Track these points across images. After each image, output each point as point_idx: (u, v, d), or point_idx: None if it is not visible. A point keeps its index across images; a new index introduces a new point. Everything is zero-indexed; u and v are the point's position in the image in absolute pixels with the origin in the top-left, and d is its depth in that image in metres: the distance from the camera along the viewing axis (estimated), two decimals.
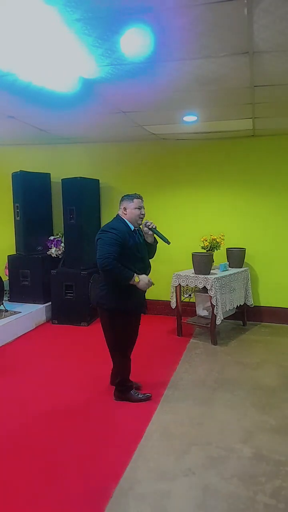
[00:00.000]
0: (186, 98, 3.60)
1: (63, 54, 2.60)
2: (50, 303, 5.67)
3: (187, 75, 2.97)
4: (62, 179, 5.66)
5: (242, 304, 5.19)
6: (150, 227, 3.23)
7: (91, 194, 5.80)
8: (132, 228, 3.19)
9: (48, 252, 5.86)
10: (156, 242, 3.34)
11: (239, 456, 2.66)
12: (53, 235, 6.02)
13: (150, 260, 3.36)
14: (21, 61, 2.72)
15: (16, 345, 4.80)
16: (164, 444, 2.79)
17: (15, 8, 2.00)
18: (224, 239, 5.04)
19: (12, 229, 5.97)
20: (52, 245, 5.87)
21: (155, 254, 3.45)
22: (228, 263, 5.18)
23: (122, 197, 3.27)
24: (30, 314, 5.37)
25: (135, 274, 3.06)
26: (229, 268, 5.13)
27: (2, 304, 5.23)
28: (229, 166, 5.49)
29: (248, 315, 5.45)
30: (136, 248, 3.17)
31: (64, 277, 5.53)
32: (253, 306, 5.35)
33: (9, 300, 5.76)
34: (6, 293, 5.70)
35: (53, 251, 5.84)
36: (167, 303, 5.16)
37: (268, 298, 5.53)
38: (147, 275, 3.25)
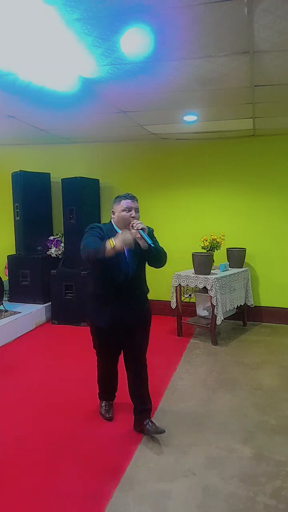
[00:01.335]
0: (186, 97, 3.60)
1: (63, 53, 2.59)
2: (50, 303, 5.67)
3: (187, 74, 2.97)
4: (62, 179, 5.66)
5: (242, 304, 5.18)
6: (135, 227, 2.60)
7: (91, 194, 5.79)
8: (119, 231, 2.72)
9: (48, 252, 5.86)
10: (152, 246, 2.61)
11: (239, 456, 2.66)
12: (53, 235, 6.01)
13: (159, 268, 2.83)
14: (21, 60, 2.71)
15: (16, 345, 4.80)
16: (164, 444, 2.78)
17: (14, 8, 2.00)
18: (224, 239, 5.03)
19: (12, 229, 5.97)
20: (52, 245, 5.87)
21: (161, 260, 2.80)
22: (228, 263, 5.18)
23: (114, 198, 2.88)
24: (30, 314, 5.37)
25: (107, 241, 2.50)
26: (229, 268, 5.13)
27: (2, 304, 5.23)
28: (229, 166, 5.48)
29: (248, 315, 5.45)
30: (115, 255, 2.58)
31: (64, 277, 5.53)
32: (253, 306, 5.35)
33: (9, 300, 5.75)
34: (6, 293, 5.70)
35: (53, 251, 5.84)
36: (167, 303, 5.15)
37: (268, 298, 5.53)
38: (131, 291, 2.77)
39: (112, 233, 2.70)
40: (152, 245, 2.59)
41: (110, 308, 2.78)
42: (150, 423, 2.85)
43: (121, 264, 2.73)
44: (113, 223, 2.82)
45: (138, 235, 2.60)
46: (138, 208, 2.77)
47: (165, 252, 2.80)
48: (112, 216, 2.83)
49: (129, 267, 2.76)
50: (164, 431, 2.80)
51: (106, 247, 2.50)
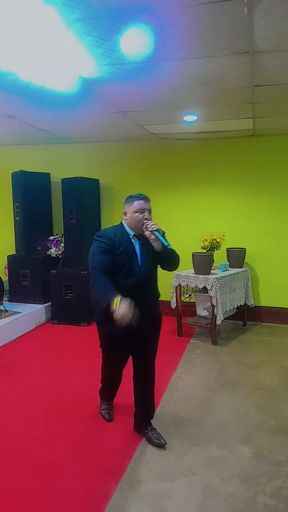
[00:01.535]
0: (186, 97, 3.60)
1: (63, 53, 2.59)
2: (50, 303, 5.66)
3: (187, 74, 2.97)
4: (62, 179, 5.66)
5: (242, 304, 5.18)
6: (150, 229, 2.55)
7: (91, 194, 5.79)
8: (132, 234, 2.65)
9: (48, 252, 5.86)
10: (166, 249, 2.57)
11: (239, 456, 2.66)
12: (53, 235, 6.01)
13: (171, 271, 2.79)
14: (21, 60, 2.71)
15: (16, 345, 4.80)
16: None
17: (14, 8, 2.00)
18: (224, 239, 5.03)
19: (12, 229, 5.97)
20: (52, 245, 5.87)
21: (175, 263, 2.74)
22: (228, 263, 5.18)
23: (125, 199, 2.75)
24: (30, 314, 5.37)
25: (115, 297, 2.34)
26: (229, 268, 5.13)
27: (2, 304, 5.23)
28: (229, 166, 5.48)
29: (248, 315, 5.45)
30: (127, 258, 2.60)
31: (64, 277, 5.53)
32: (253, 306, 5.35)
33: (9, 300, 5.75)
34: (6, 293, 5.70)
35: (53, 251, 5.84)
36: (167, 303, 5.15)
37: (268, 298, 5.53)
38: (144, 296, 2.61)
39: (124, 236, 2.63)
40: (168, 246, 2.54)
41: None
42: (152, 432, 2.82)
43: (134, 266, 2.61)
44: (124, 224, 2.68)
45: (153, 237, 2.53)
46: (151, 210, 2.65)
47: (177, 254, 2.71)
48: (124, 217, 2.68)
49: (142, 270, 2.64)
50: (165, 446, 2.75)
51: (109, 303, 2.35)
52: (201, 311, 5.19)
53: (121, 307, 2.31)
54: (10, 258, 5.89)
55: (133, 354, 2.82)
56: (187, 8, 2.03)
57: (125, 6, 2.00)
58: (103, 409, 3.14)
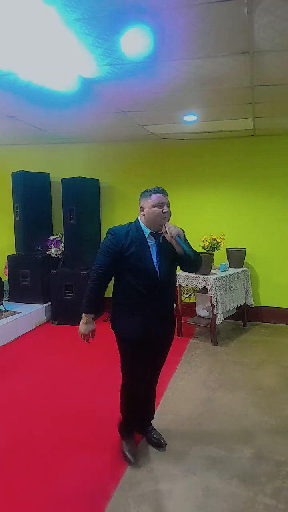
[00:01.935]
0: (186, 97, 3.59)
1: (62, 53, 2.59)
2: (50, 303, 5.66)
3: (187, 74, 2.97)
4: (62, 179, 5.66)
5: (242, 304, 5.18)
6: (170, 234, 2.34)
7: (91, 194, 5.79)
8: (148, 233, 2.44)
9: (48, 252, 5.86)
10: (188, 251, 2.39)
11: (239, 456, 2.66)
12: (53, 235, 6.01)
13: (192, 273, 2.74)
14: (21, 60, 2.71)
15: (16, 345, 4.80)
16: None
17: (14, 7, 2.00)
18: (224, 239, 5.03)
19: (12, 229, 5.97)
20: (52, 245, 5.87)
21: (196, 265, 2.57)
22: (228, 263, 5.18)
23: (141, 193, 2.53)
24: (30, 314, 5.37)
25: (85, 316, 2.49)
26: (229, 268, 5.12)
27: (2, 304, 5.23)
28: (229, 165, 5.48)
29: (248, 315, 5.45)
30: (138, 259, 2.40)
31: (64, 277, 5.53)
32: (253, 306, 5.35)
33: (8, 300, 5.75)
34: (5, 293, 5.70)
35: (53, 251, 5.84)
36: None
37: (268, 298, 5.53)
38: (161, 300, 2.48)
39: (139, 235, 2.42)
40: (188, 253, 2.38)
41: (139, 319, 2.45)
42: (152, 432, 2.80)
43: (148, 268, 2.42)
44: (140, 222, 2.47)
45: (174, 242, 2.35)
46: (169, 204, 2.49)
47: (200, 256, 2.57)
48: (141, 213, 2.46)
49: (160, 272, 2.44)
50: (165, 446, 2.72)
51: (83, 314, 2.52)
52: (201, 311, 5.19)
53: (81, 325, 2.51)
54: (10, 258, 5.89)
55: (148, 351, 2.62)
56: (187, 8, 2.03)
57: (125, 6, 2.00)
58: (126, 446, 2.67)
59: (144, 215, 2.45)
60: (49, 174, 6.02)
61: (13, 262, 5.85)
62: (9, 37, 2.34)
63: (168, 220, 2.43)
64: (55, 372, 4.00)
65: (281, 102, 3.75)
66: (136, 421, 2.77)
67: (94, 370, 3.99)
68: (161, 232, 2.41)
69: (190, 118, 4.33)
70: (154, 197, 2.43)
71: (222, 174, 5.53)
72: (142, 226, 2.46)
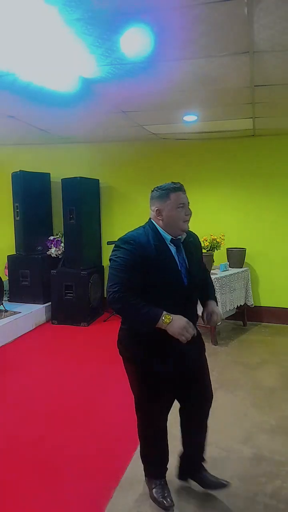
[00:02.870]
0: (186, 97, 3.59)
1: (63, 53, 2.59)
2: (50, 303, 5.66)
3: (187, 74, 2.97)
4: (62, 179, 5.66)
5: (242, 304, 5.18)
6: (213, 323, 2.10)
7: (91, 194, 5.80)
8: (168, 239, 2.04)
9: (48, 252, 5.86)
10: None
11: (239, 456, 2.66)
12: (53, 235, 6.01)
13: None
14: (21, 60, 2.71)
15: (16, 345, 4.80)
16: None
17: (15, 7, 2.00)
18: (224, 239, 5.03)
19: (12, 229, 5.97)
20: (52, 245, 5.87)
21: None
22: (228, 263, 5.18)
23: (152, 191, 2.09)
24: (30, 314, 5.37)
25: (163, 314, 1.86)
26: (229, 268, 5.12)
27: (2, 304, 5.23)
28: (229, 166, 5.48)
29: (248, 315, 5.45)
30: (169, 271, 1.99)
31: (64, 277, 5.52)
32: (253, 306, 5.35)
33: (8, 300, 5.75)
34: (5, 293, 5.70)
35: (53, 251, 5.84)
36: None
37: (268, 298, 5.53)
38: (190, 316, 1.97)
39: (161, 243, 2.00)
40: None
41: (172, 345, 1.95)
42: (208, 474, 2.33)
43: (180, 283, 2.03)
44: (157, 226, 2.04)
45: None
46: (189, 202, 2.10)
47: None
48: (159, 217, 2.03)
49: (189, 286, 2.05)
50: (227, 484, 2.28)
51: (156, 322, 1.86)
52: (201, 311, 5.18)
53: (175, 317, 1.87)
54: (10, 258, 5.89)
55: (184, 394, 2.22)
56: (187, 8, 2.03)
57: (126, 6, 2.00)
58: (157, 492, 2.23)
59: (162, 219, 2.02)
60: (49, 174, 6.02)
61: (13, 262, 5.85)
62: (9, 37, 2.34)
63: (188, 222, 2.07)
64: (55, 372, 4.00)
65: (281, 102, 3.75)
66: (164, 459, 2.32)
67: (94, 370, 3.99)
68: (180, 237, 2.07)
69: (190, 118, 4.33)
70: (174, 197, 2.01)
71: (222, 174, 5.53)
72: (161, 232, 2.04)
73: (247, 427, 2.99)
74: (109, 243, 5.46)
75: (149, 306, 1.89)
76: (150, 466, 2.32)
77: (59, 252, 5.86)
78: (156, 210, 2.03)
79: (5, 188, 6.05)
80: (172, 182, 2.05)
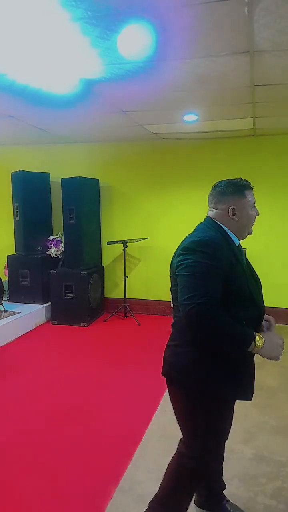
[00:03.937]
0: (186, 97, 3.59)
1: (62, 53, 2.59)
2: (49, 303, 5.66)
3: (188, 74, 2.97)
4: (61, 179, 5.66)
5: None
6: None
7: (91, 194, 5.79)
8: (238, 243, 1.83)
9: (48, 252, 5.86)
10: None
11: (239, 457, 2.66)
12: (52, 235, 6.01)
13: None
14: (21, 60, 2.71)
15: (16, 345, 4.79)
16: (164, 444, 2.78)
17: (14, 7, 1.99)
18: None
19: (12, 229, 5.97)
20: (52, 245, 5.87)
21: None
22: None
23: (222, 187, 1.83)
24: (30, 314, 5.36)
25: (256, 335, 1.60)
26: None
27: (2, 304, 5.22)
28: (230, 165, 5.48)
29: None
30: (243, 279, 1.73)
31: (64, 277, 5.52)
32: None
33: (8, 301, 5.75)
34: (5, 293, 5.69)
35: (52, 251, 5.84)
36: (167, 303, 5.14)
37: (268, 298, 5.43)
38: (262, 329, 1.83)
39: (234, 247, 1.77)
40: None
41: (250, 369, 1.82)
42: (229, 503, 2.17)
43: (255, 294, 1.79)
44: (226, 229, 1.78)
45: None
46: None
47: None
48: (234, 218, 1.78)
49: (260, 298, 1.85)
50: None
51: (249, 345, 1.58)
52: None
53: (267, 338, 1.63)
54: (10, 258, 5.89)
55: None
56: (187, 7, 2.03)
57: (126, 5, 2.00)
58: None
59: (236, 219, 1.77)
60: (49, 174, 6.02)
61: (13, 262, 5.85)
62: (9, 37, 2.34)
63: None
64: (55, 372, 4.00)
65: (281, 102, 3.75)
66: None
67: (94, 370, 3.99)
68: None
69: (190, 117, 4.33)
70: (250, 196, 1.79)
71: (222, 174, 5.43)
72: (230, 235, 1.78)
73: (248, 428, 2.99)
74: (109, 243, 5.46)
75: (237, 325, 1.58)
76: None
77: (59, 252, 5.86)
78: (231, 208, 1.77)
79: (5, 188, 6.04)
80: (240, 178, 1.83)
